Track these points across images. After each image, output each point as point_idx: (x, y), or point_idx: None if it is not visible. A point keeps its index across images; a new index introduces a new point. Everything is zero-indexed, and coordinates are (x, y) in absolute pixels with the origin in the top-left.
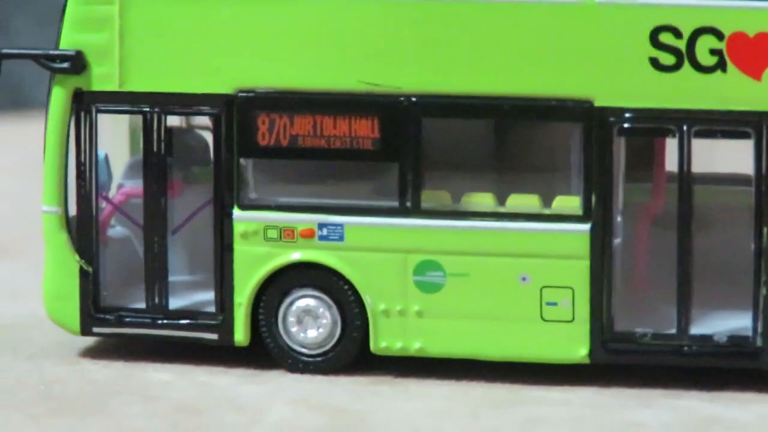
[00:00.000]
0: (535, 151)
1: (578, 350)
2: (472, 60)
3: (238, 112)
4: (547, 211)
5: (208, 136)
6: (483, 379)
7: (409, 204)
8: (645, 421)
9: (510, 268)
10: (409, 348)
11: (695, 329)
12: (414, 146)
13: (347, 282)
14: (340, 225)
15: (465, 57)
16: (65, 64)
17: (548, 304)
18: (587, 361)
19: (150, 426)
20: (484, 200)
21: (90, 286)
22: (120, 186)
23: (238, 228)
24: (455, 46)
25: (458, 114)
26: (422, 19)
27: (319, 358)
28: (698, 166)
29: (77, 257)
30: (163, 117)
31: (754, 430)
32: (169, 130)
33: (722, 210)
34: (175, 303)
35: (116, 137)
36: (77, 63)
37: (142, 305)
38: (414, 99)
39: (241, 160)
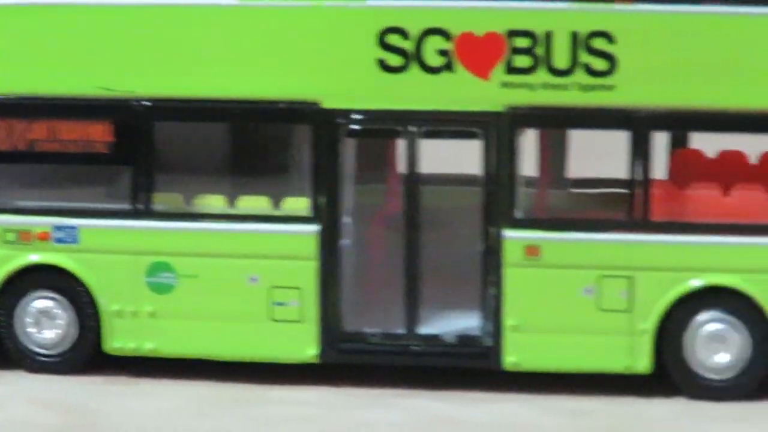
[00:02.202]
0: (266, 154)
1: (308, 350)
2: (203, 64)
3: None
4: (276, 213)
5: None
6: (217, 379)
7: (141, 206)
8: (375, 420)
9: (239, 269)
10: (142, 348)
11: (424, 329)
12: (146, 150)
13: (82, 283)
14: (75, 227)
15: (196, 61)
16: None
17: (277, 304)
18: (317, 360)
19: None
20: (215, 202)
21: None
22: None
23: None
24: (186, 50)
25: (190, 118)
26: (153, 24)
27: (56, 359)
28: (429, 166)
29: None
30: None
31: (483, 429)
32: None
33: (451, 211)
34: None
35: None
36: None
37: None
38: (147, 103)
39: None
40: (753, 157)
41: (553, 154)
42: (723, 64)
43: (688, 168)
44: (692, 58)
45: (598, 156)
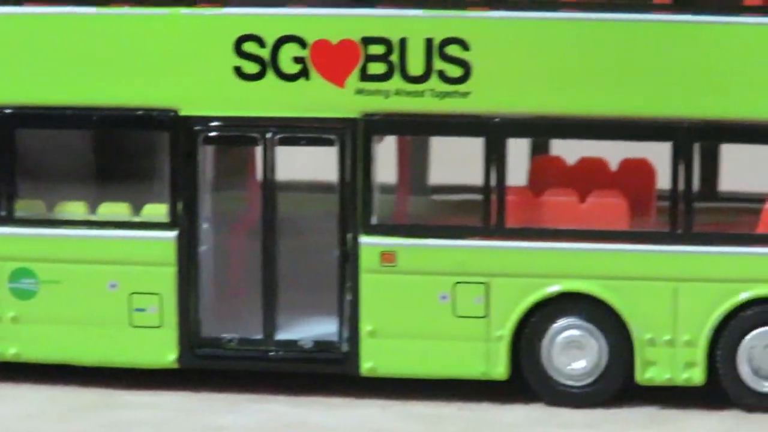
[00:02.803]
0: (126, 161)
1: (167, 355)
2: (63, 72)
3: None
4: (136, 219)
5: None
6: (77, 384)
7: (2, 213)
8: (229, 424)
9: (100, 275)
10: (5, 353)
11: (281, 335)
12: (8, 157)
13: None
14: None
15: (56, 69)
16: None
17: (137, 310)
18: (176, 365)
19: None
20: (76, 209)
21: None
22: None
23: None
24: (46, 58)
25: (51, 125)
26: (12, 32)
27: None
28: (287, 173)
29: None
30: None
31: None
32: None
33: (309, 217)
34: None
35: None
36: None
37: None
38: (7, 111)
39: None
40: (613, 164)
41: (413, 161)
42: (577, 70)
43: (547, 174)
44: (547, 64)
45: (465, 162)
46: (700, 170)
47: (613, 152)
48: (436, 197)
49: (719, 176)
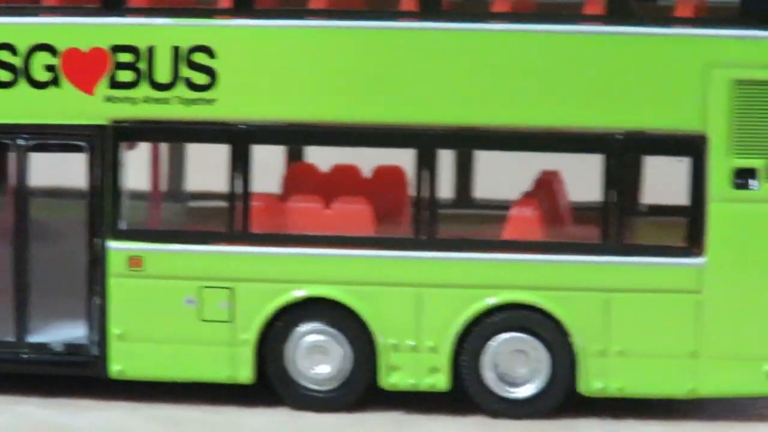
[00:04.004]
0: None
1: None
2: None
3: None
4: None
5: None
6: None
7: None
8: None
9: None
10: None
11: (33, 337)
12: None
13: None
14: None
15: None
16: None
17: None
18: None
19: None
20: None
21: None
22: None
23: None
24: None
25: None
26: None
27: None
28: (40, 179)
29: None
30: None
31: None
32: None
33: (60, 222)
34: None
35: None
36: None
37: None
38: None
39: None
40: (367, 171)
41: (171, 167)
42: (322, 78)
43: (299, 181)
44: (292, 72)
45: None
46: (456, 177)
47: (391, 159)
48: (192, 204)
49: (474, 183)
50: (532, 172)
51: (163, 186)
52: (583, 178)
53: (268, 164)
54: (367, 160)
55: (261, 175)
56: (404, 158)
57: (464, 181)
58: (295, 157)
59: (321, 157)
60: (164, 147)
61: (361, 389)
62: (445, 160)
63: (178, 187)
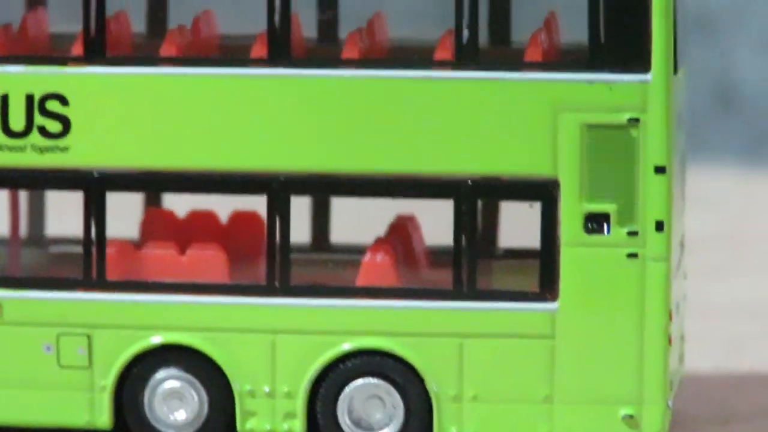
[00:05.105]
0: None
1: None
2: None
3: None
4: None
5: None
6: None
7: None
8: None
9: None
10: None
11: None
12: None
13: None
14: None
15: None
16: None
17: None
18: None
19: None
20: None
21: None
22: None
23: None
24: None
25: None
26: None
27: None
28: None
29: None
30: None
31: None
32: None
33: None
34: None
35: None
36: None
37: None
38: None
39: None
40: (224, 217)
41: (27, 212)
42: (176, 125)
43: (155, 227)
44: (144, 119)
45: None
46: (312, 222)
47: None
48: (53, 249)
49: (331, 227)
50: (390, 215)
51: (23, 231)
52: (442, 223)
53: (131, 210)
54: (228, 205)
55: (122, 221)
56: (263, 204)
57: (321, 225)
58: (153, 202)
59: (182, 203)
60: (19, 194)
61: None
62: (302, 203)
63: (39, 232)
